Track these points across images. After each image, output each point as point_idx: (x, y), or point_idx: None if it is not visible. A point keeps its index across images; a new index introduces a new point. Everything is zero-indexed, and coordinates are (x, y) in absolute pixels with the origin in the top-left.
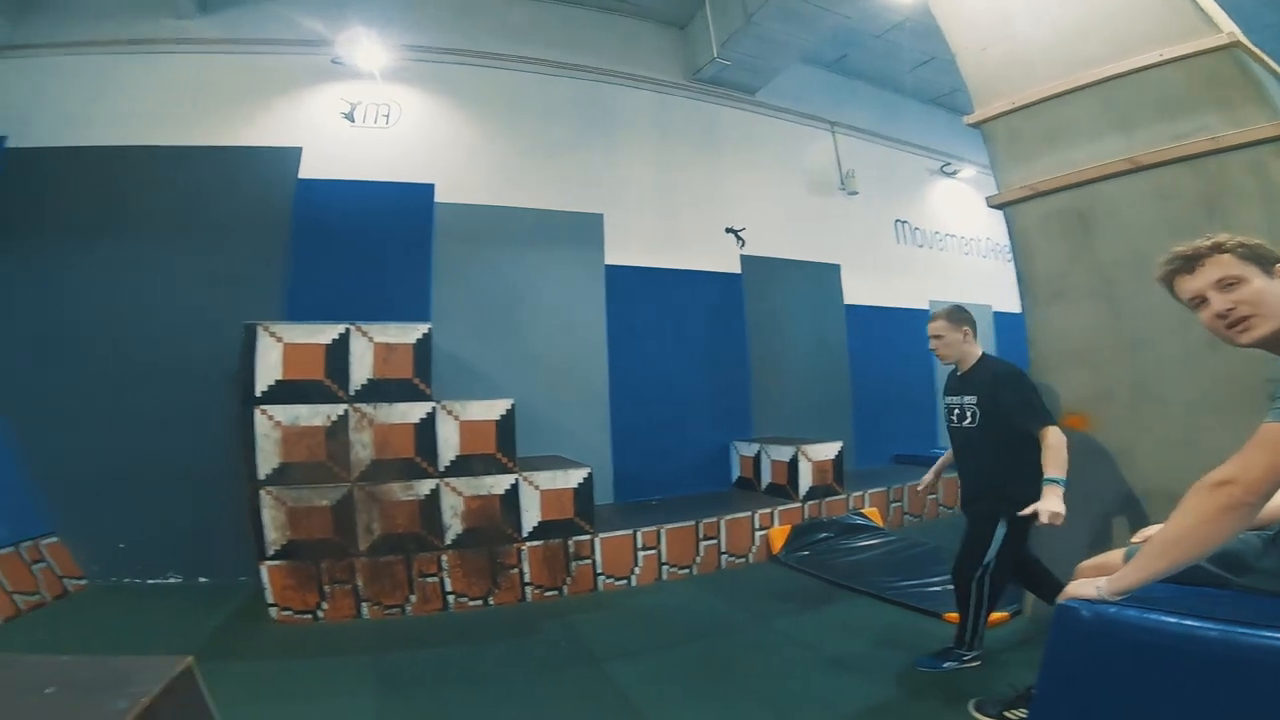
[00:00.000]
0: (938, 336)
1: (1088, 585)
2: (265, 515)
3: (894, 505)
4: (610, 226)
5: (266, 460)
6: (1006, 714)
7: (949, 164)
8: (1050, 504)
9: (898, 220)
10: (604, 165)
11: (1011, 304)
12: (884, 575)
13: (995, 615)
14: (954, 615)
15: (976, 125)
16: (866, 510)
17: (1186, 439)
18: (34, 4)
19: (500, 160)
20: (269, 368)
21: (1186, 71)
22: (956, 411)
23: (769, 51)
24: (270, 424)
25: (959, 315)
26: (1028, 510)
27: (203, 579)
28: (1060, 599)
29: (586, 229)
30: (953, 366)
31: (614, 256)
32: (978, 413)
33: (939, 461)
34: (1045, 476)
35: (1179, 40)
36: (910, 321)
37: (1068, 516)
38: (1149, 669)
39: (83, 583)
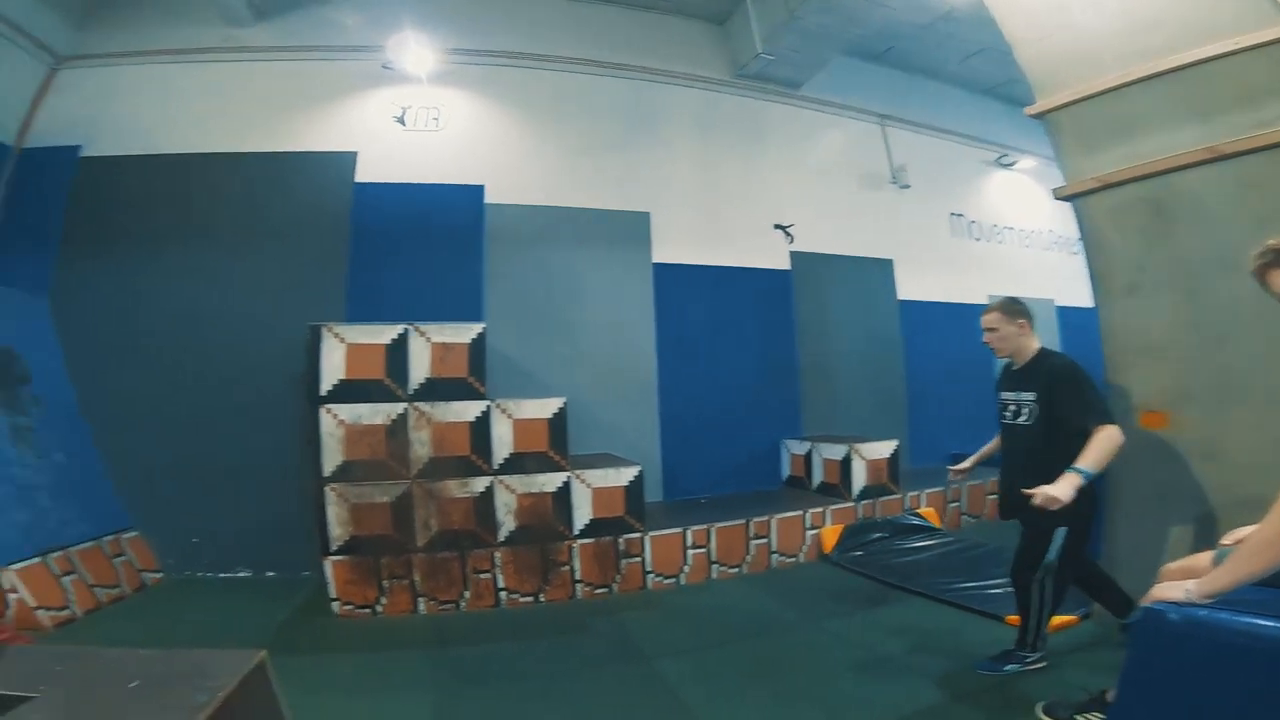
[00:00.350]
0: (992, 329)
1: (1175, 588)
2: (330, 511)
3: (952, 505)
4: (657, 225)
5: (331, 458)
6: (1078, 717)
7: (1006, 155)
8: (1055, 488)
9: (953, 213)
10: (650, 164)
11: (1077, 298)
12: (941, 576)
13: (1063, 619)
14: (1016, 618)
15: (1039, 116)
16: (923, 510)
17: (1275, 438)
18: (96, 14)
19: (547, 160)
20: (333, 368)
21: (1266, 59)
22: (1012, 408)
23: (812, 45)
24: (335, 422)
25: (1014, 307)
26: (1029, 490)
27: (270, 573)
28: (1145, 601)
29: (634, 227)
30: (1007, 360)
31: (662, 254)
32: (1035, 409)
33: (983, 449)
34: (1071, 464)
35: (1253, 28)
36: (968, 317)
37: (1148, 516)
38: (1240, 673)
39: (159, 576)
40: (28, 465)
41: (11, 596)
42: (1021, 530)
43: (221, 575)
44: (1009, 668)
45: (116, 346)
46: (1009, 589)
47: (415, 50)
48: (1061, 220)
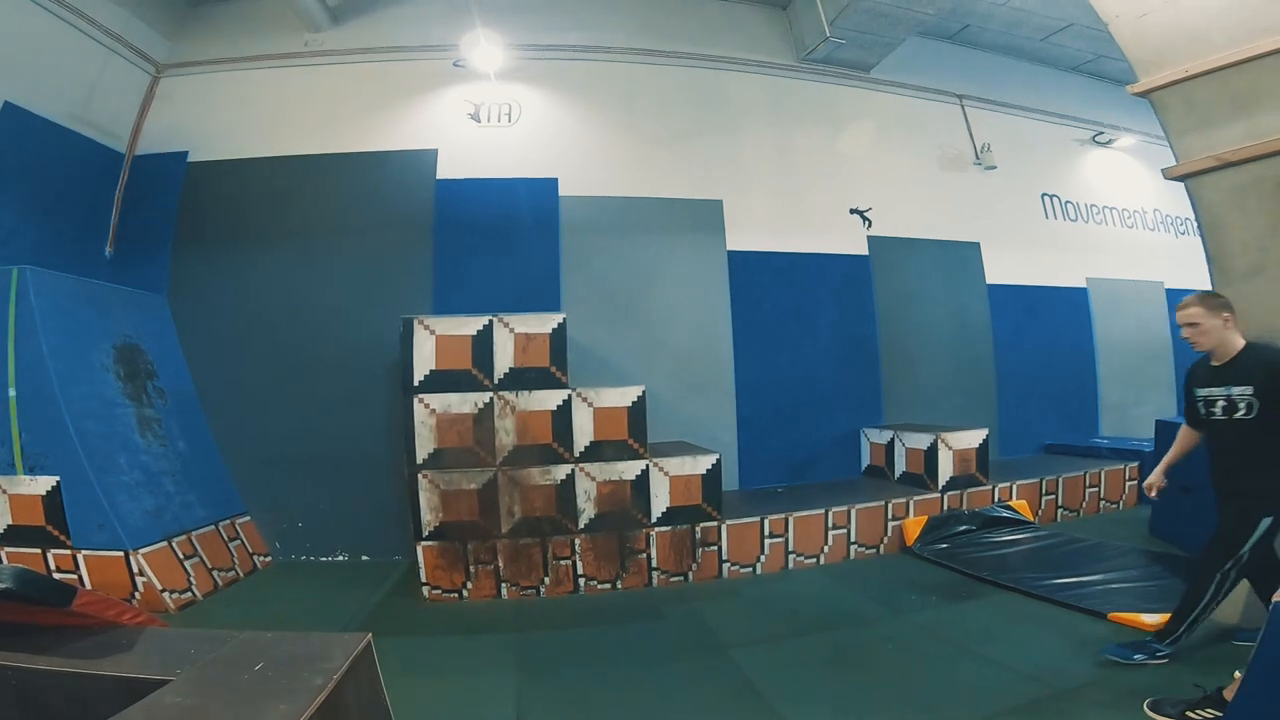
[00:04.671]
0: (1193, 324)
1: None
2: (422, 498)
3: (1046, 498)
4: (731, 212)
5: (423, 446)
6: (1189, 714)
7: (1101, 133)
8: None
9: (1045, 194)
10: (721, 151)
11: (1189, 280)
12: (1034, 571)
13: (1166, 617)
14: (1121, 615)
15: (1144, 94)
16: (1014, 503)
17: None
18: (186, 24)
19: (618, 152)
20: (424, 358)
21: None
22: (1222, 403)
23: (881, 26)
24: (426, 411)
25: (1216, 301)
26: None
27: (365, 557)
28: (1278, 597)
29: (707, 215)
30: (1203, 356)
31: (736, 242)
32: (1255, 403)
33: (1166, 459)
34: None
35: None
36: (1066, 300)
37: None
38: None
39: (268, 559)
40: (155, 454)
41: (140, 579)
42: (1222, 519)
43: (322, 559)
44: (1138, 657)
45: (227, 340)
46: (1111, 585)
47: (485, 48)
48: (1170, 200)
